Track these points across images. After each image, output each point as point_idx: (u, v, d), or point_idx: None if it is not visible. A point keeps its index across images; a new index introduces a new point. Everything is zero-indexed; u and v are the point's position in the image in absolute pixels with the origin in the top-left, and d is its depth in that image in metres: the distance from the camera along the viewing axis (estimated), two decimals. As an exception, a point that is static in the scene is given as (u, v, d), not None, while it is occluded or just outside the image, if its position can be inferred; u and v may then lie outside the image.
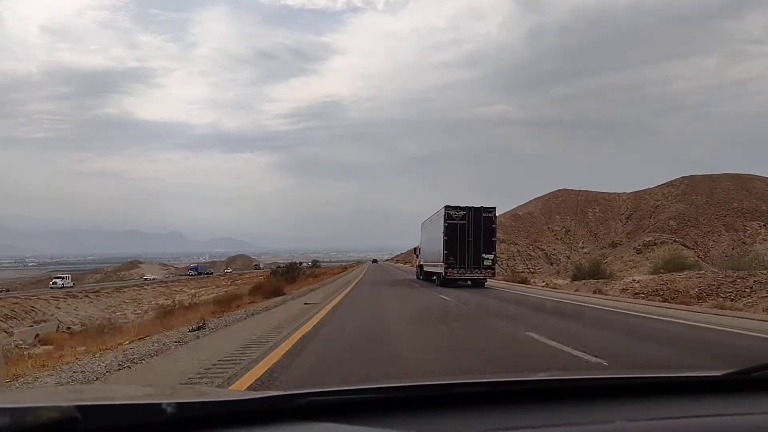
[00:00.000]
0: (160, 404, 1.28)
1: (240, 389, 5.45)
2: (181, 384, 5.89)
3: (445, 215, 28.13)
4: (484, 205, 28.40)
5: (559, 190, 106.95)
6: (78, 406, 1.19)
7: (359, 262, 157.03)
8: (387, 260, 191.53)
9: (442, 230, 28.24)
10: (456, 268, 27.84)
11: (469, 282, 29.08)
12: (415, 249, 44.22)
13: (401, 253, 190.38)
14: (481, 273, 27.93)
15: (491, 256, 28.00)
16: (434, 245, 31.21)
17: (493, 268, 28.22)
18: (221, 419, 1.33)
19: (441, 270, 28.53)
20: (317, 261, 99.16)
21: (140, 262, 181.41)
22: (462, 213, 28.13)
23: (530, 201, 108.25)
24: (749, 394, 1.63)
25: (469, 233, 27.97)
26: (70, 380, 6.40)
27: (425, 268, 36.67)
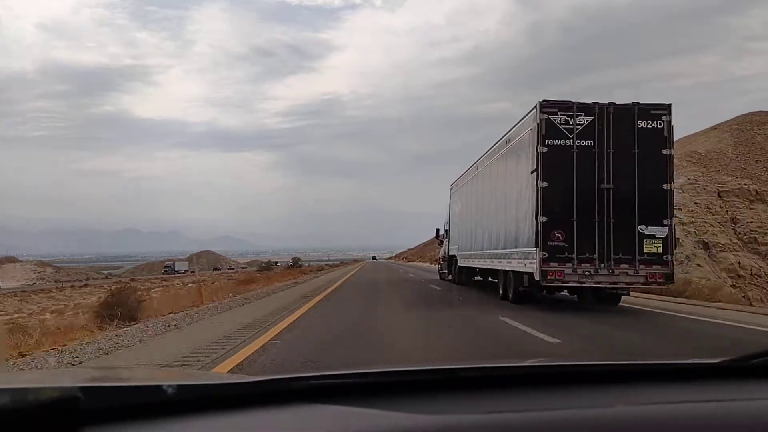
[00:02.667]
0: (161, 386, 1.28)
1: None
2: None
3: (540, 126, 10.95)
4: (638, 101, 11.21)
5: (753, 114, 62.72)
6: (80, 387, 1.18)
7: (355, 261, 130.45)
8: (389, 258, 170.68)
9: (532, 165, 11.21)
10: (572, 260, 10.77)
11: (575, 296, 12.83)
12: (437, 233, 26.48)
13: (410, 249, 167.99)
14: (635, 271, 10.73)
15: (664, 231, 10.82)
16: (500, 207, 14.11)
17: (669, 263, 10.84)
18: (221, 401, 1.32)
19: (528, 265, 11.35)
20: (299, 259, 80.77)
21: (16, 260, 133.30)
22: (586, 121, 10.93)
23: (699, 132, 62.56)
24: (748, 380, 1.61)
25: (606, 169, 10.90)
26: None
27: (463, 262, 19.61)
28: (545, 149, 10.87)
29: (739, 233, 34.01)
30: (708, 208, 34.66)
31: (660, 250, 10.73)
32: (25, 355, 7.16)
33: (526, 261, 11.44)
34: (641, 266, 10.71)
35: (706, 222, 33.36)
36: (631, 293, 12.91)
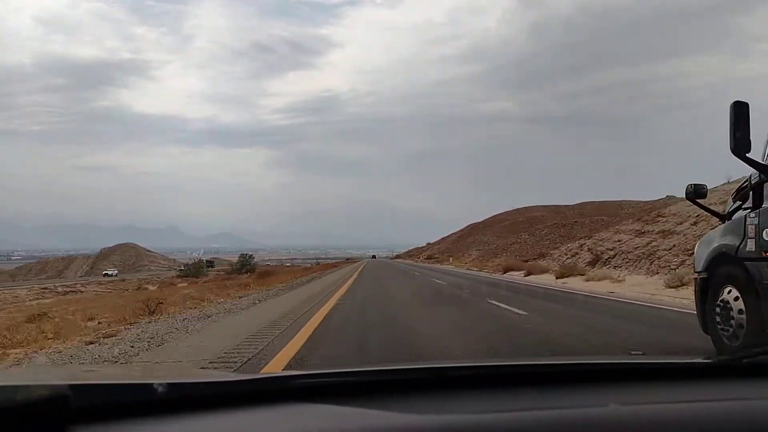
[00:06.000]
0: (151, 384, 1.28)
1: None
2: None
3: None
4: None
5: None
6: (69, 385, 1.16)
7: (348, 260, 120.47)
8: (395, 257, 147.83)
9: None
10: None
11: None
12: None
13: (429, 243, 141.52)
14: None
15: None
16: None
17: None
18: (213, 400, 1.32)
19: None
20: (251, 257, 62.63)
21: None
22: None
23: None
24: (740, 379, 1.63)
25: None
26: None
27: None
28: None
29: None
30: None
31: None
32: None
33: None
34: None
35: None
36: None
